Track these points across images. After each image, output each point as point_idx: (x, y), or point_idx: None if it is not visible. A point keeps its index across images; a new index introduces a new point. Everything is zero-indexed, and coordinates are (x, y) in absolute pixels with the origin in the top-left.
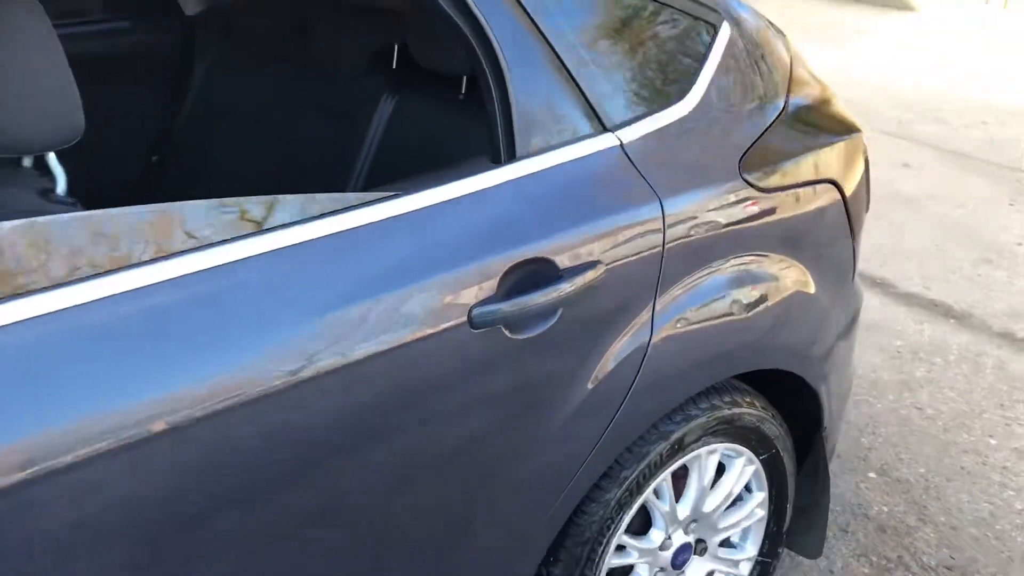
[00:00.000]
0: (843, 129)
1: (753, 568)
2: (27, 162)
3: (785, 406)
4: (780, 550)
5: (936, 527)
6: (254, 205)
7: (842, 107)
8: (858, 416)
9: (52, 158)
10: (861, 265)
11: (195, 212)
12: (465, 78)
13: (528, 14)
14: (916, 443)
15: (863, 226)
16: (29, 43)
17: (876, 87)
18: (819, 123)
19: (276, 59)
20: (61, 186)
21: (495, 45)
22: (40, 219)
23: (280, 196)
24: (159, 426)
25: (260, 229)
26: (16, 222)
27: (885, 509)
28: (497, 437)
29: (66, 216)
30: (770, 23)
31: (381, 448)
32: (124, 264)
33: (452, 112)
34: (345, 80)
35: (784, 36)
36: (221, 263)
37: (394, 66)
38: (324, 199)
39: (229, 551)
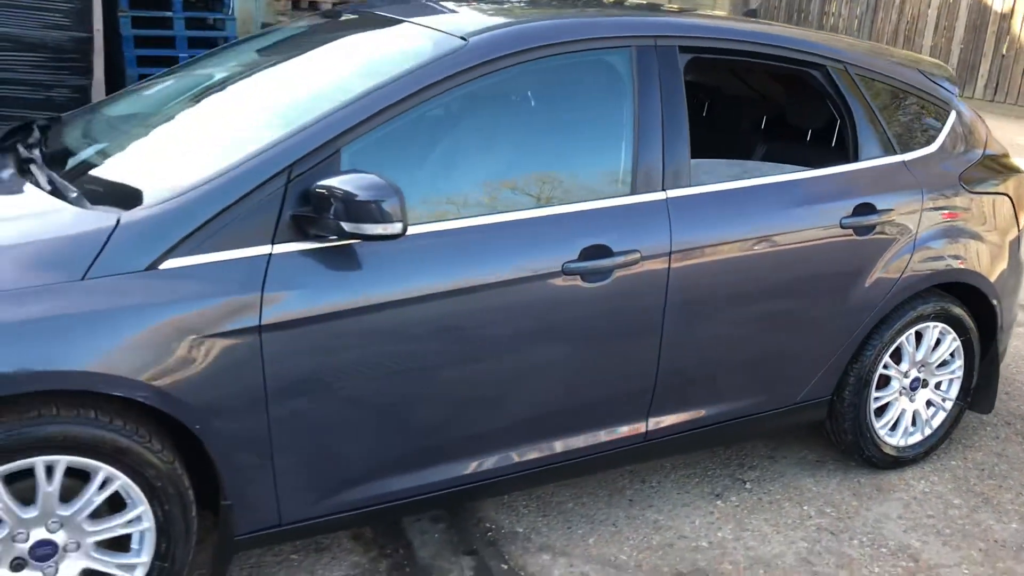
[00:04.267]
0: (1014, 170)
1: (952, 407)
2: None
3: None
4: (968, 399)
5: None
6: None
7: (1013, 160)
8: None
9: None
10: None
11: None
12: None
13: (871, 106)
14: None
15: None
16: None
17: None
18: (1000, 166)
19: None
20: None
21: (856, 123)
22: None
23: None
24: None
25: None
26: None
27: None
28: (838, 283)
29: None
30: (975, 112)
31: (788, 283)
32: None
33: (801, 148)
34: (738, 133)
35: (982, 119)
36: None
37: (762, 127)
38: (770, 167)
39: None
